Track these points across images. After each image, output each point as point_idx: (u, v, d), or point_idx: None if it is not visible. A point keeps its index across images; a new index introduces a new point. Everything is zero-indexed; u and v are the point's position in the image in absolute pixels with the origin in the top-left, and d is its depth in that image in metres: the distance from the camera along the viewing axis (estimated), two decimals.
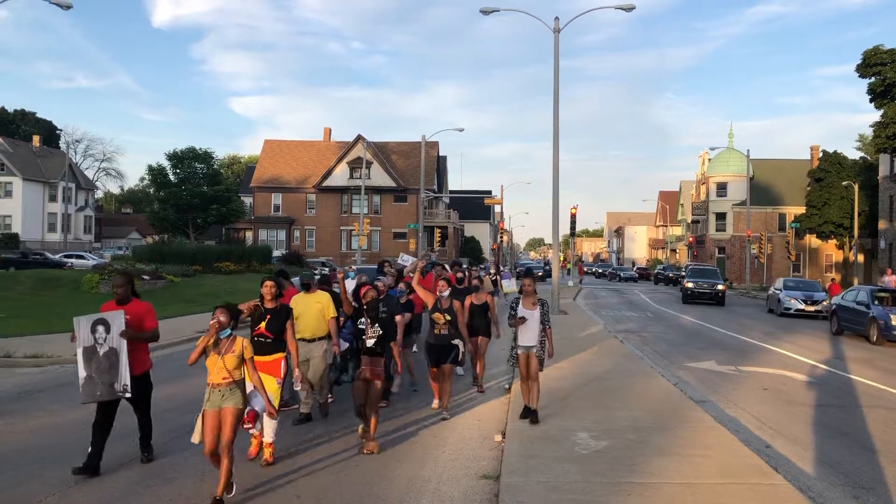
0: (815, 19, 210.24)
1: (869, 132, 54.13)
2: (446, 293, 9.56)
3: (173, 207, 53.35)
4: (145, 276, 29.80)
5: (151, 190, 61.67)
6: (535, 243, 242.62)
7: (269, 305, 7.68)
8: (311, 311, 8.94)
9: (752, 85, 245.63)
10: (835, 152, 58.26)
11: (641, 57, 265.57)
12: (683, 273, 46.18)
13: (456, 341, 9.43)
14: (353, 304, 8.87)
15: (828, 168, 57.38)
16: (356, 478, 6.97)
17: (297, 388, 8.53)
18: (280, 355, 7.59)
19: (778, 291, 31.26)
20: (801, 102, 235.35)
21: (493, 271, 31.48)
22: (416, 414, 9.74)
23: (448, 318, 9.41)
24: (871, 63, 41.01)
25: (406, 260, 18.36)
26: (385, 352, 7.93)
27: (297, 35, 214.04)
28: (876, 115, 41.79)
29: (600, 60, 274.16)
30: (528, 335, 8.76)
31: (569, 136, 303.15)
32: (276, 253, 56.03)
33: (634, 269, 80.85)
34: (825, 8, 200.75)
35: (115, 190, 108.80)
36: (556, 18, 26.54)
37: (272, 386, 7.26)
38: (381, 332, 7.83)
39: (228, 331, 6.20)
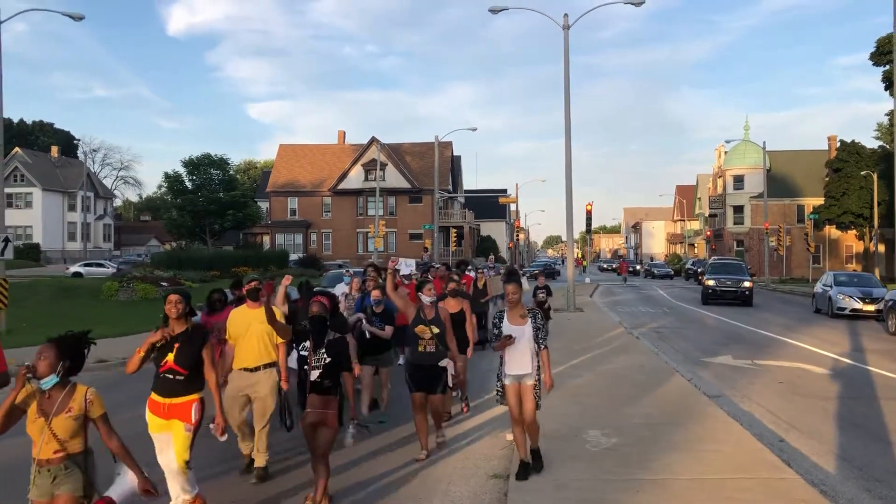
0: (831, 8, 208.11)
1: (887, 121, 53.55)
2: (429, 300, 7.81)
3: (190, 214, 53.84)
4: (163, 283, 30.05)
5: (169, 197, 62.24)
6: (553, 241, 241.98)
7: (177, 329, 5.73)
8: (255, 330, 6.97)
9: (768, 76, 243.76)
10: (853, 142, 57.59)
11: (656, 51, 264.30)
12: (699, 268, 44.55)
13: (445, 362, 7.60)
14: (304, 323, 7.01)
15: (846, 158, 56.72)
16: None
17: (220, 437, 5.88)
18: (195, 397, 5.74)
19: (828, 288, 26.57)
20: (817, 93, 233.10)
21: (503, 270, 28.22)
22: (385, 462, 7.48)
23: (435, 331, 7.59)
24: (885, 51, 40.60)
25: (410, 265, 17.67)
26: (336, 387, 6.11)
27: (311, 39, 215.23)
28: (891, 104, 41.40)
29: (615, 56, 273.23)
30: (518, 360, 6.63)
31: (584, 132, 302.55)
32: (293, 257, 56.45)
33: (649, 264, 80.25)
34: None
35: (134, 198, 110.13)
36: (566, 15, 26.52)
37: (179, 437, 5.62)
38: (327, 360, 6.00)
39: (54, 378, 4.11)
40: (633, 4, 26.56)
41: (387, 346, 9.17)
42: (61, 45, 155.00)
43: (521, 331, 6.59)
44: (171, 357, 5.68)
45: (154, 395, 5.78)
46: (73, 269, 47.55)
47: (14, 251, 20.77)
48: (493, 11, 27.87)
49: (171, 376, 5.69)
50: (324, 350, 6.04)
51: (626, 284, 52.05)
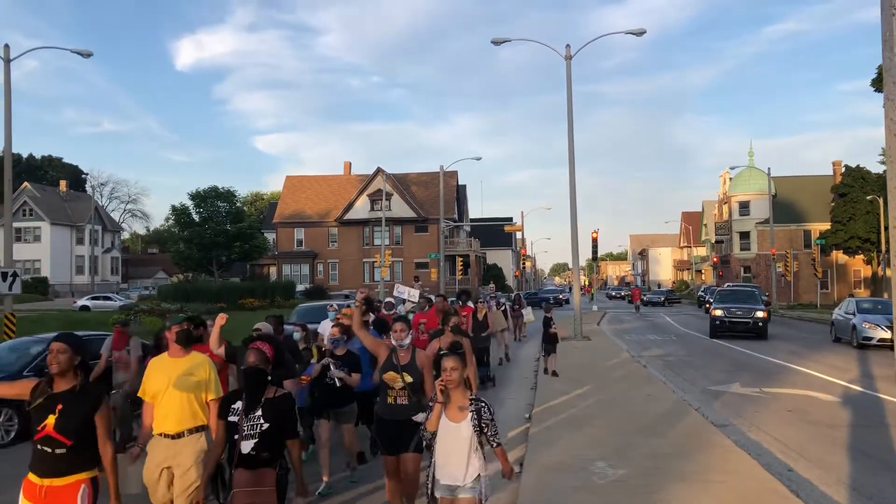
0: (833, 35, 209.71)
1: None
2: (406, 342, 6.31)
3: (197, 246, 54.16)
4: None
5: (176, 230, 62.64)
6: (560, 268, 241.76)
7: (62, 385, 4.30)
8: (178, 385, 5.51)
9: (771, 102, 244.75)
10: (857, 167, 57.68)
11: (659, 79, 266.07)
12: (708, 297, 40.64)
13: (420, 416, 5.78)
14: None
15: (851, 183, 56.77)
16: None
17: None
18: (83, 476, 4.24)
19: (850, 316, 24.67)
20: (821, 118, 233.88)
21: (502, 300, 24.84)
22: None
23: (408, 379, 6.11)
24: None
25: (404, 293, 16.36)
26: (276, 459, 4.83)
27: (317, 72, 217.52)
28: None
29: (618, 84, 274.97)
30: (453, 466, 4.82)
31: (589, 159, 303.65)
32: (300, 287, 56.52)
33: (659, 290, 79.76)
34: (842, 23, 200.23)
35: (141, 231, 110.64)
36: (568, 46, 26.77)
37: None
38: (264, 425, 4.68)
39: None
40: (634, 34, 26.84)
41: (350, 398, 7.75)
42: (71, 81, 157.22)
43: (455, 430, 4.75)
44: (51, 420, 4.16)
45: (30, 475, 4.26)
46: (81, 302, 47.76)
47: (22, 285, 20.89)
48: (496, 43, 28.16)
49: (49, 448, 4.17)
50: (260, 413, 4.68)
51: (639, 314, 47.59)
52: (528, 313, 26.00)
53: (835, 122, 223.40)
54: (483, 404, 4.82)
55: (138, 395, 5.78)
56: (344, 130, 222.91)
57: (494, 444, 4.83)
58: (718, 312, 27.61)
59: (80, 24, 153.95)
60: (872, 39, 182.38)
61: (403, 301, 16.36)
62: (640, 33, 26.64)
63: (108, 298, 49.45)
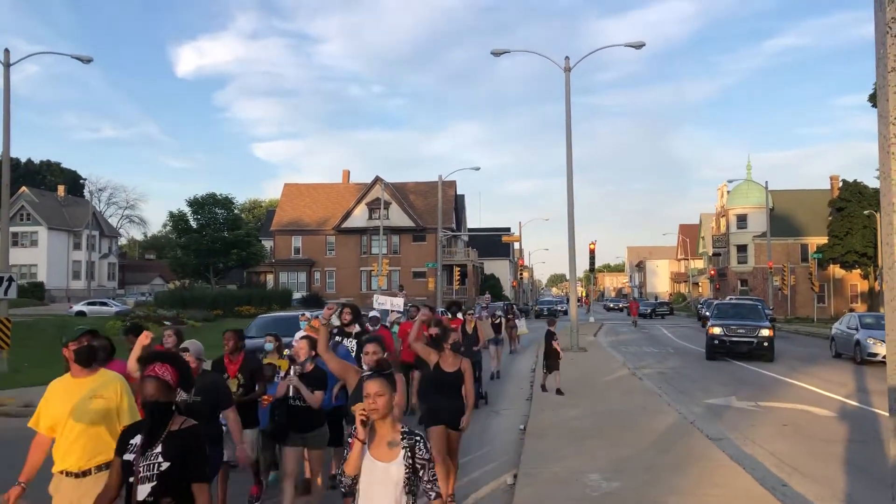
0: (832, 50, 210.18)
1: None
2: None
3: (195, 253, 54.15)
4: (167, 322, 30.06)
5: (173, 236, 62.65)
6: (557, 279, 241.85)
7: None
8: (81, 411, 4.54)
9: (770, 116, 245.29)
10: (855, 181, 57.88)
11: (658, 91, 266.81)
12: (706, 311, 37.75)
13: None
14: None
15: (849, 197, 56.93)
16: None
17: None
18: None
19: (853, 331, 23.97)
20: (819, 132, 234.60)
21: (498, 313, 22.04)
22: None
23: None
24: None
25: (385, 303, 14.91)
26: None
27: (317, 80, 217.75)
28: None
29: (617, 96, 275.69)
30: None
31: (587, 170, 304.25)
32: (297, 295, 56.47)
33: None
34: (841, 39, 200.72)
35: (139, 236, 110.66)
36: (567, 58, 26.88)
37: None
38: (164, 466, 3.71)
39: None
40: (633, 47, 26.96)
41: (319, 420, 6.76)
42: (71, 86, 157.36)
43: (382, 471, 3.73)
44: None
45: None
46: (77, 307, 47.61)
47: (18, 290, 20.84)
48: (495, 54, 28.27)
49: None
50: (159, 450, 3.71)
51: (637, 328, 44.69)
52: (522, 325, 25.69)
53: (833, 137, 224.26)
54: (418, 439, 3.78)
55: (29, 424, 4.76)
56: (343, 139, 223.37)
57: (432, 496, 3.79)
58: (717, 330, 24.15)
59: (81, 29, 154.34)
60: (871, 55, 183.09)
61: (388, 312, 15.60)
62: (639, 46, 26.77)
63: (105, 304, 49.32)
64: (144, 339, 5.50)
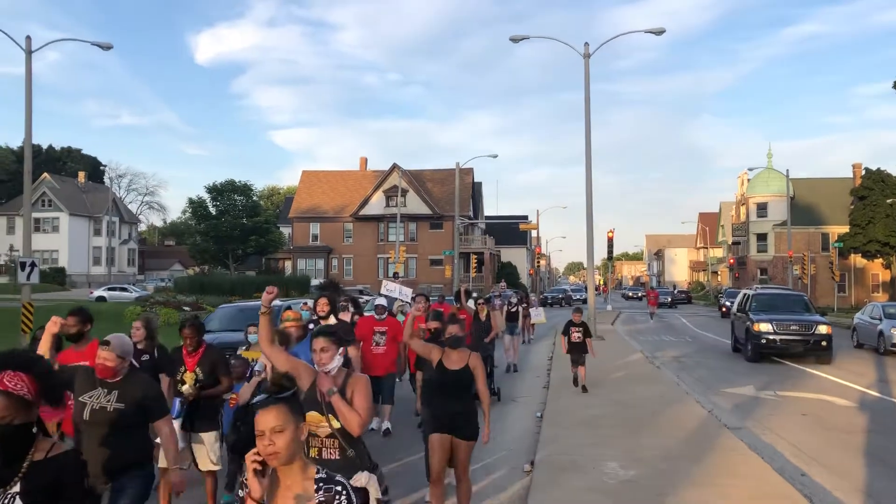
0: (854, 37, 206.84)
1: None
2: (333, 365, 4.08)
3: (213, 239, 54.53)
4: (186, 307, 30.32)
5: (193, 222, 63.03)
6: (575, 267, 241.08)
7: None
8: None
9: (791, 104, 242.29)
10: (878, 170, 57.07)
11: (677, 79, 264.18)
12: (727, 300, 37.25)
13: (362, 478, 3.93)
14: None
15: (871, 186, 56.18)
16: None
17: None
18: None
19: (876, 321, 23.32)
20: (841, 121, 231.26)
21: (513, 300, 20.66)
22: None
23: (337, 425, 3.94)
24: None
25: (394, 290, 13.47)
26: None
27: (334, 69, 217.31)
28: None
29: (636, 84, 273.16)
30: None
31: (606, 159, 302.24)
32: (315, 282, 56.70)
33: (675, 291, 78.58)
34: (863, 26, 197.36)
35: (158, 223, 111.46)
36: (586, 44, 26.63)
37: None
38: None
39: None
40: (653, 33, 26.68)
41: None
42: (92, 73, 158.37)
43: None
44: None
45: None
46: (97, 293, 48.12)
47: (40, 275, 21.09)
48: (514, 40, 28.10)
49: None
50: (17, 489, 2.68)
51: (654, 320, 40.85)
52: (540, 314, 25.05)
53: (855, 125, 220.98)
54: (339, 489, 2.68)
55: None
56: (360, 127, 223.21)
57: None
58: (765, 327, 20.18)
59: (101, 16, 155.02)
60: (892, 43, 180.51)
61: (394, 300, 14.44)
62: (660, 32, 26.49)
63: (125, 290, 49.80)
64: (54, 326, 4.56)
